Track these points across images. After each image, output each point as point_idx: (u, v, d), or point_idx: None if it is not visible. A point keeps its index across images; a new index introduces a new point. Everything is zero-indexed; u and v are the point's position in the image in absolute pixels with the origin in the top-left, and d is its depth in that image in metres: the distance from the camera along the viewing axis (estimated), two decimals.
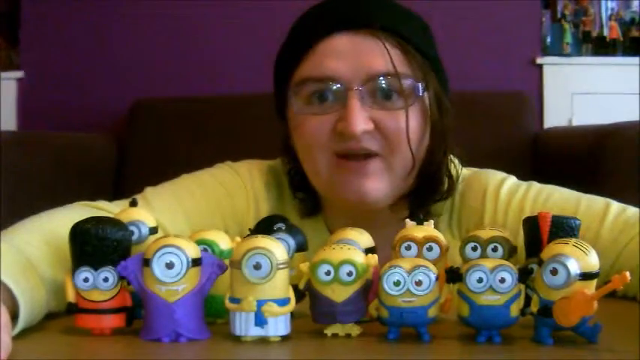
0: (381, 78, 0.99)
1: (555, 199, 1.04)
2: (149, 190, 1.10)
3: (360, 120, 0.98)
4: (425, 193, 1.07)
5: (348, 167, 1.01)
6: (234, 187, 1.12)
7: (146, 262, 0.71)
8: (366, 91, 0.99)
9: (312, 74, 1.01)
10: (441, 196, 1.08)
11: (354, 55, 1.00)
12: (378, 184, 1.01)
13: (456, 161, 1.11)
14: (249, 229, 0.83)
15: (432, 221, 0.87)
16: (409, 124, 1.00)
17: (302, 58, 1.03)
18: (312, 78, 1.01)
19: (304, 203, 1.11)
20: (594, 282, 0.69)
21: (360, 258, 0.72)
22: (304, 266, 0.73)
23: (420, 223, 0.80)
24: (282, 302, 0.71)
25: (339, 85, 1.00)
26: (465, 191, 1.10)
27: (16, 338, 0.75)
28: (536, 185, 1.08)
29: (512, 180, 1.10)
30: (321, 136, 1.01)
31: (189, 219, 1.06)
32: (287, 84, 1.05)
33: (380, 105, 1.00)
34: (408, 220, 0.95)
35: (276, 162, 1.17)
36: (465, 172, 1.12)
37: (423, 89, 1.02)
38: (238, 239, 0.78)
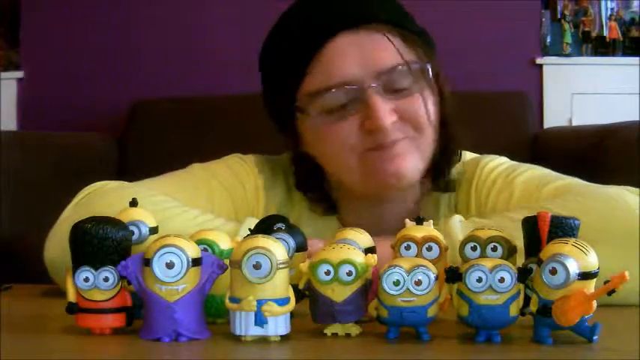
0: (392, 71, 1.01)
1: (525, 177, 1.07)
2: (162, 177, 1.12)
3: (386, 113, 1.00)
4: (444, 162, 1.11)
5: (380, 156, 1.03)
6: (245, 177, 1.13)
7: (146, 262, 0.71)
8: (381, 85, 1.01)
9: (324, 84, 1.01)
10: (454, 163, 1.12)
11: (360, 54, 1.01)
12: (411, 161, 1.04)
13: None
14: (249, 229, 0.83)
15: (431, 221, 0.87)
16: (428, 104, 1.04)
17: (307, 68, 1.02)
18: (326, 87, 1.01)
19: (319, 203, 1.12)
20: (593, 281, 0.69)
21: (359, 258, 0.72)
22: (304, 266, 0.73)
23: (419, 223, 0.80)
24: (282, 302, 0.71)
25: (354, 87, 1.01)
26: (462, 172, 1.14)
27: (16, 338, 0.75)
28: (517, 165, 1.12)
29: (499, 160, 1.13)
30: (349, 139, 1.02)
31: (207, 206, 1.07)
32: (292, 96, 1.05)
33: (397, 95, 1.02)
34: (407, 220, 0.95)
35: (280, 157, 1.18)
36: (466, 156, 1.16)
37: (432, 69, 1.05)
38: (238, 239, 0.78)
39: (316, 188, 1.12)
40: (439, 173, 1.11)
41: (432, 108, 1.05)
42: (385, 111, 1.00)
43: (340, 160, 1.05)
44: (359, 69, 1.01)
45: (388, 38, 1.02)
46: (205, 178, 1.11)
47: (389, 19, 1.04)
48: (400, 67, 1.02)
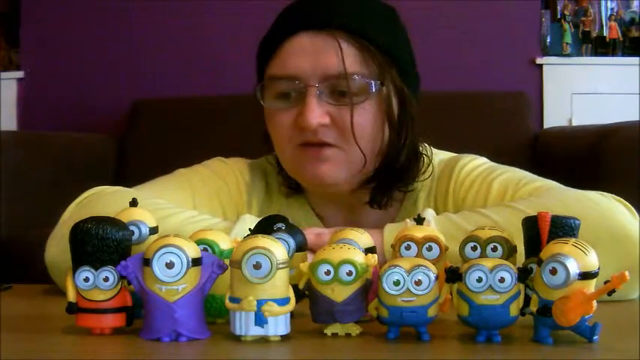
0: (336, 78, 1.05)
1: (503, 178, 1.09)
2: (148, 183, 1.15)
3: (316, 114, 1.05)
4: (386, 180, 1.12)
5: (306, 154, 1.08)
6: (228, 176, 1.19)
7: (146, 262, 0.71)
8: (323, 88, 1.06)
9: (277, 73, 1.09)
10: (407, 181, 1.13)
11: (313, 55, 1.06)
12: (334, 169, 1.09)
13: (428, 148, 1.16)
14: (249, 229, 0.83)
15: (431, 221, 0.87)
16: (362, 119, 1.07)
17: (271, 56, 1.10)
18: (277, 76, 1.09)
19: (289, 182, 1.18)
20: (593, 281, 0.69)
21: (359, 258, 0.72)
22: (304, 266, 0.73)
23: (419, 223, 0.80)
24: (282, 302, 0.71)
25: (299, 83, 1.06)
26: (441, 171, 1.16)
27: (16, 338, 0.75)
28: (496, 166, 1.14)
29: (479, 160, 1.16)
30: (285, 129, 1.09)
31: (195, 207, 1.11)
32: (260, 78, 1.13)
33: (336, 101, 1.07)
34: (407, 220, 0.95)
35: (260, 159, 1.24)
36: (444, 155, 1.19)
37: (377, 86, 1.07)
38: (238, 239, 0.78)
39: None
40: (377, 191, 1.12)
41: (367, 123, 1.07)
42: (315, 112, 1.05)
43: (280, 147, 1.12)
44: (308, 68, 1.06)
45: (340, 46, 1.05)
46: (190, 180, 1.16)
47: (351, 27, 1.06)
48: (344, 75, 1.05)
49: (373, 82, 1.06)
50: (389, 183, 1.12)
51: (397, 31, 1.13)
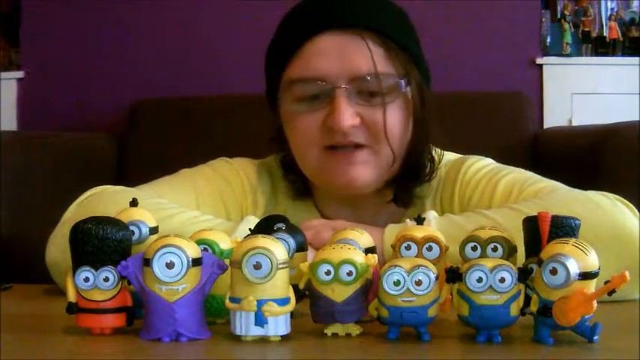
0: (366, 78, 1.05)
1: (508, 179, 1.09)
2: (151, 183, 1.15)
3: (347, 116, 1.04)
4: (408, 178, 1.12)
5: (336, 157, 1.07)
6: (232, 176, 1.17)
7: (146, 262, 0.71)
8: (351, 88, 1.05)
9: (301, 75, 1.06)
10: (422, 180, 1.13)
11: (340, 55, 1.05)
12: (365, 171, 1.08)
13: (438, 149, 1.16)
14: (250, 229, 0.83)
15: (432, 221, 0.86)
16: (392, 118, 1.06)
17: (291, 58, 1.07)
18: (302, 79, 1.06)
19: (295, 186, 1.17)
20: (594, 282, 0.69)
21: (360, 258, 0.72)
22: (304, 266, 0.73)
23: (419, 223, 0.80)
24: (283, 302, 0.71)
25: (326, 84, 1.05)
26: (447, 172, 1.16)
27: (16, 338, 0.75)
28: (502, 167, 1.14)
29: (485, 162, 1.16)
30: (311, 132, 1.07)
31: (198, 207, 1.11)
32: (278, 81, 1.10)
33: (365, 101, 1.06)
34: (408, 220, 0.95)
35: (266, 159, 1.23)
36: (450, 156, 1.18)
37: (406, 85, 1.07)
38: (239, 239, 0.78)
39: (294, 171, 1.16)
40: (401, 189, 1.13)
41: (397, 122, 1.07)
42: (347, 113, 1.04)
43: (302, 151, 1.10)
44: (334, 69, 1.04)
45: (368, 46, 1.04)
46: (193, 180, 1.15)
47: (376, 27, 1.06)
48: (373, 76, 1.04)
49: (402, 82, 1.07)
50: (410, 181, 1.12)
51: (411, 30, 1.13)
